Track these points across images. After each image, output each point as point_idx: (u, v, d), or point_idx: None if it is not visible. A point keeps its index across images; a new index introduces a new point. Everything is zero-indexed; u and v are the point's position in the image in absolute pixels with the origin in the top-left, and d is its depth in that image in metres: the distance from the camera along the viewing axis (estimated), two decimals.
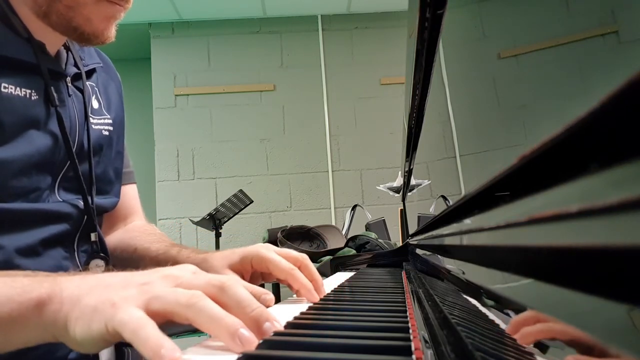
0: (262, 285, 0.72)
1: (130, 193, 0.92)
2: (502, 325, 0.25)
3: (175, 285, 0.42)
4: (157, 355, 0.34)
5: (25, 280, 0.43)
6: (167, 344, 0.34)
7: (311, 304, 0.58)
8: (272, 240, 2.18)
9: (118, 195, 0.82)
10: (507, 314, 0.24)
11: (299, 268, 0.66)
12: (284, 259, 0.66)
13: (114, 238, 0.87)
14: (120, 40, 0.68)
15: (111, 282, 0.42)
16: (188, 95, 3.58)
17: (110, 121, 0.79)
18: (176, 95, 3.58)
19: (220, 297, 0.41)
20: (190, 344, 0.39)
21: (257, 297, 0.58)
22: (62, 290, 0.42)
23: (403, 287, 0.74)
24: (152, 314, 0.38)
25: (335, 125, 3.61)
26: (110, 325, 0.37)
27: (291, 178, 3.56)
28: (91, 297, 0.40)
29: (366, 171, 3.57)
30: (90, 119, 0.75)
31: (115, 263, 0.82)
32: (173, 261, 0.75)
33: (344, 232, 2.46)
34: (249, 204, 2.80)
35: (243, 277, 0.68)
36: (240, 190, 2.71)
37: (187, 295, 0.39)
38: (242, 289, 0.42)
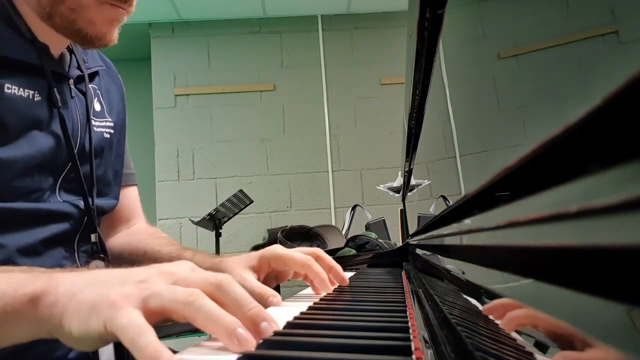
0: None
1: (132, 194, 0.93)
2: (502, 325, 0.25)
3: (172, 282, 0.42)
4: None
5: (21, 276, 0.43)
6: (165, 353, 0.34)
7: (311, 304, 0.58)
8: (272, 240, 2.18)
9: (117, 197, 0.82)
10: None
11: (315, 259, 0.70)
12: (299, 253, 0.71)
13: (118, 240, 0.87)
14: (120, 40, 0.68)
15: (107, 279, 0.42)
16: (188, 95, 3.58)
17: (111, 124, 0.80)
18: (176, 95, 3.57)
19: (218, 295, 0.41)
20: (191, 344, 0.39)
21: (266, 299, 0.61)
22: (57, 286, 0.41)
23: (403, 287, 0.74)
24: (150, 312, 0.38)
25: (335, 125, 3.60)
26: (109, 327, 0.37)
27: (291, 178, 3.56)
28: (87, 293, 0.40)
29: (366, 171, 3.57)
30: (92, 121, 0.75)
31: (122, 264, 0.82)
32: None
33: (344, 232, 2.46)
34: (249, 204, 2.80)
35: (258, 277, 0.71)
36: (240, 190, 2.71)
37: (185, 293, 0.39)
38: (239, 287, 0.42)
